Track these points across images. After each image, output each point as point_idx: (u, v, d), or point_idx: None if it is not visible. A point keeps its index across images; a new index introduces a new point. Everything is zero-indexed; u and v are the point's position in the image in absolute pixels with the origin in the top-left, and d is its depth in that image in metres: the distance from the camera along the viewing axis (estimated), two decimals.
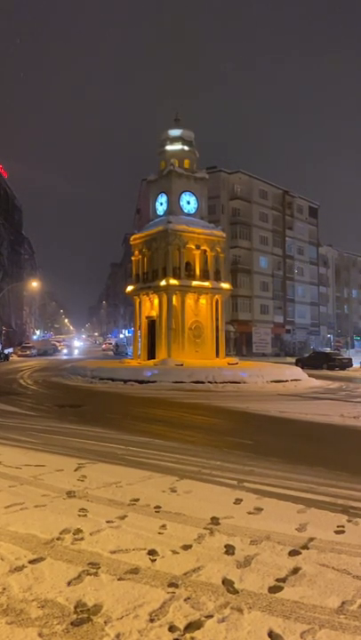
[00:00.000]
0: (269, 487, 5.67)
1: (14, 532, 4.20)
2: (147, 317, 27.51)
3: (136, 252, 28.60)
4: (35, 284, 71.50)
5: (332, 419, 11.30)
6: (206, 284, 26.54)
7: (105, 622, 2.85)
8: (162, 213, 27.41)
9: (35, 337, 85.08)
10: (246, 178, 57.37)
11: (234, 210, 56.28)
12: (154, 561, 3.66)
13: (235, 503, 5.10)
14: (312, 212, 68.65)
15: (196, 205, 27.40)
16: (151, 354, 26.48)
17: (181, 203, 26.99)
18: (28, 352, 49.43)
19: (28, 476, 6.04)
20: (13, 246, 69.85)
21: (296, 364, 31.89)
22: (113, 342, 70.26)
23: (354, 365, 33.18)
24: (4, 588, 3.23)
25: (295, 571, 3.53)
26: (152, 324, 26.91)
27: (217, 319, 27.06)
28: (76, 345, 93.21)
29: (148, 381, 19.79)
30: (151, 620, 2.87)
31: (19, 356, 48.26)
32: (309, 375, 23.12)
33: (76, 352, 65.21)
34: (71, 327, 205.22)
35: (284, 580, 3.39)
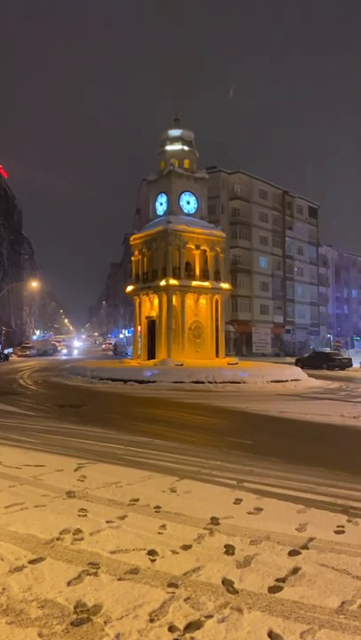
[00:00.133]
0: (269, 487, 5.67)
1: (14, 532, 4.20)
2: (147, 317, 27.51)
3: (136, 252, 28.60)
4: (34, 284, 71.50)
5: (332, 419, 11.30)
6: (206, 284, 26.54)
7: (105, 622, 2.85)
8: (162, 213, 27.41)
9: (34, 337, 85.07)
10: (246, 178, 57.36)
11: (234, 210, 56.27)
12: (154, 561, 3.66)
13: (234, 503, 5.10)
14: (312, 212, 68.64)
15: (195, 205, 27.40)
16: (151, 354, 26.48)
17: (181, 203, 26.99)
18: (27, 352, 49.40)
19: (28, 476, 6.04)
20: (13, 246, 69.83)
21: (296, 364, 31.88)
22: (113, 342, 70.16)
23: (354, 365, 33.17)
24: (4, 588, 3.23)
25: (295, 571, 3.53)
26: (152, 324, 26.91)
27: (217, 319, 27.06)
28: (76, 345, 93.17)
29: (148, 381, 19.79)
30: (151, 620, 2.87)
31: (18, 356, 48.24)
32: (309, 375, 23.12)
33: (75, 352, 65.16)
34: (71, 327, 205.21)
35: (283, 580, 3.39)
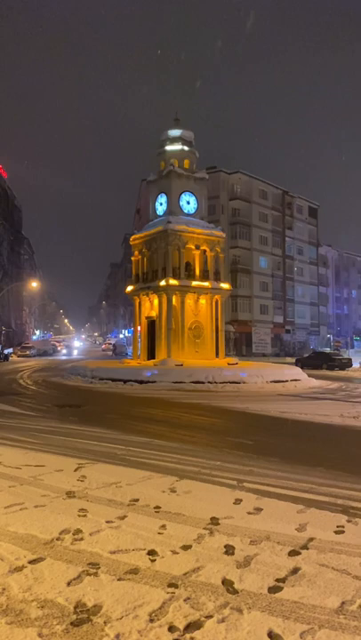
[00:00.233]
0: (269, 487, 5.67)
1: (14, 533, 4.20)
2: (146, 317, 27.51)
3: (136, 253, 28.61)
4: (34, 284, 71.48)
5: (332, 419, 11.29)
6: (206, 284, 26.54)
7: (105, 622, 2.85)
8: (161, 214, 27.41)
9: (34, 337, 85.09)
10: (246, 178, 57.39)
11: (234, 210, 56.30)
12: (153, 561, 3.66)
13: (234, 503, 5.10)
14: (312, 213, 68.68)
15: (195, 205, 27.41)
16: (151, 354, 26.48)
17: (181, 203, 27.00)
18: (27, 352, 49.45)
19: (28, 477, 6.04)
20: (13, 246, 69.84)
21: (296, 364, 31.89)
22: (112, 342, 70.01)
23: (353, 365, 33.18)
24: (4, 589, 3.22)
25: (295, 571, 3.53)
26: (152, 325, 26.91)
27: (217, 319, 27.06)
28: (76, 345, 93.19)
29: (148, 381, 19.79)
30: (151, 621, 2.87)
31: (18, 356, 48.27)
32: (309, 375, 23.11)
33: (75, 352, 65.15)
34: (71, 327, 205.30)
35: (283, 580, 3.39)
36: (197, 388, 18.54)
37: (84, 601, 3.08)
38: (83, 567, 3.55)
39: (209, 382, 19.21)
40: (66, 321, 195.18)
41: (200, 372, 20.23)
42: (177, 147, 27.61)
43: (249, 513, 4.79)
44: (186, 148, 27.71)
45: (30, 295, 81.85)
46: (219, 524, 4.48)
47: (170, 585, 3.29)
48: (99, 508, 4.91)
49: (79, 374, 22.77)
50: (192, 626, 2.83)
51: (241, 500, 5.18)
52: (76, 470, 6.37)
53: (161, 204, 27.65)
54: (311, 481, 5.95)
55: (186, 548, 3.92)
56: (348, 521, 4.57)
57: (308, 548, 3.93)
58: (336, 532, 4.28)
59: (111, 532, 4.23)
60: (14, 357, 46.83)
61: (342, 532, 4.30)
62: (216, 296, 27.10)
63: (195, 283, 26.15)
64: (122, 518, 4.58)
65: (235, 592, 3.22)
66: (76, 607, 3.01)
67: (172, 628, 2.80)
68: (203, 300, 26.68)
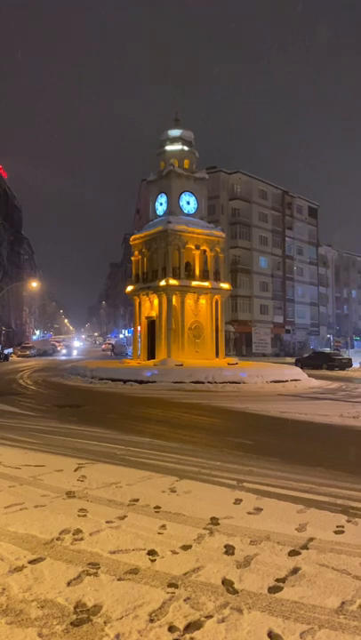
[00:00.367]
0: (269, 487, 5.67)
1: (14, 533, 4.20)
2: (146, 317, 27.51)
3: (136, 253, 28.61)
4: (34, 285, 71.47)
5: (332, 419, 11.29)
6: (206, 284, 26.54)
7: (105, 622, 2.85)
8: (161, 214, 27.41)
9: (34, 337, 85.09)
10: (246, 178, 57.39)
11: (233, 210, 56.29)
12: (153, 561, 3.66)
13: (234, 503, 5.10)
14: (312, 213, 68.67)
15: (195, 205, 27.41)
16: (151, 354, 26.48)
17: (181, 203, 26.99)
18: (27, 352, 49.45)
19: (28, 477, 6.04)
20: (13, 246, 69.83)
21: (296, 364, 31.88)
22: (112, 342, 69.85)
23: (353, 365, 33.18)
24: (4, 589, 3.22)
25: (295, 571, 3.53)
26: (152, 325, 26.91)
27: (217, 319, 27.06)
28: (76, 345, 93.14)
29: (148, 381, 19.79)
30: (151, 621, 2.87)
31: (18, 356, 48.27)
32: (309, 375, 23.11)
33: (75, 352, 65.12)
34: (71, 327, 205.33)
35: (283, 580, 3.39)
36: (197, 388, 18.54)
37: (84, 601, 3.08)
38: (83, 567, 3.55)
39: (209, 382, 19.21)
40: (66, 321, 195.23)
41: (200, 372, 20.23)
42: (177, 147, 27.61)
43: (249, 513, 4.79)
44: (186, 148, 27.71)
45: (30, 295, 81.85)
46: (219, 524, 4.48)
47: (170, 585, 3.29)
48: (99, 508, 4.91)
49: (79, 374, 22.77)
50: (192, 626, 2.83)
51: (241, 500, 5.18)
52: (75, 470, 6.37)
53: (161, 204, 27.65)
54: (311, 481, 5.95)
55: (186, 548, 3.92)
56: (348, 521, 4.57)
57: (308, 548, 3.93)
58: (336, 532, 4.28)
59: (111, 532, 4.23)
60: (14, 357, 46.83)
61: (342, 532, 4.30)
62: (216, 296, 27.10)
63: (195, 283, 26.15)
64: (122, 518, 4.58)
65: (235, 592, 3.22)
66: (76, 607, 3.01)
67: (172, 628, 2.80)
68: (203, 300, 26.68)
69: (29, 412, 12.54)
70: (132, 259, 29.31)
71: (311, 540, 4.11)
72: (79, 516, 4.65)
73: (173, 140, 27.76)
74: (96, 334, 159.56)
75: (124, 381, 20.00)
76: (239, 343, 53.67)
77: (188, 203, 27.21)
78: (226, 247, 33.85)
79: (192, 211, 27.27)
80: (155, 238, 26.58)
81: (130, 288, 28.89)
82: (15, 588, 3.24)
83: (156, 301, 26.49)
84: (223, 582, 3.35)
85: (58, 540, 4.07)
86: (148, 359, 26.14)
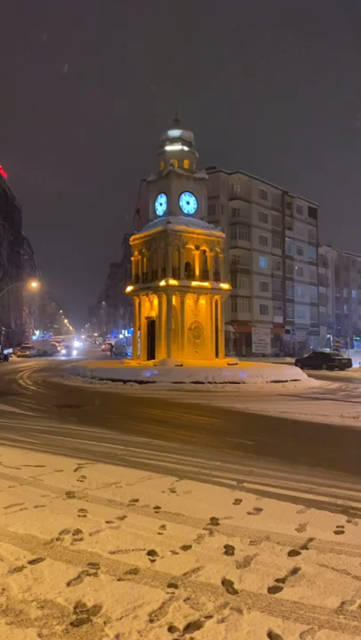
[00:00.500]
0: (269, 487, 5.67)
1: (14, 533, 4.20)
2: (146, 318, 27.51)
3: (136, 253, 28.61)
4: (34, 285, 71.46)
5: (332, 419, 11.30)
6: (206, 284, 26.54)
7: (104, 623, 2.85)
8: (161, 214, 27.41)
9: (34, 337, 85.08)
10: (246, 178, 57.39)
11: (233, 210, 56.29)
12: (153, 561, 3.66)
13: (234, 503, 5.10)
14: (311, 213, 68.67)
15: (195, 206, 27.41)
16: (151, 354, 26.48)
17: (181, 203, 27.00)
18: (27, 352, 49.44)
19: (28, 477, 6.04)
20: (13, 247, 69.82)
21: (295, 364, 31.89)
22: (112, 342, 69.76)
23: (353, 366, 33.19)
24: (4, 589, 3.22)
25: (295, 571, 3.53)
26: (152, 325, 26.91)
27: (216, 319, 27.06)
28: (76, 345, 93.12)
29: (148, 382, 19.79)
30: (151, 621, 2.87)
31: (18, 356, 48.27)
32: (309, 375, 23.12)
33: (75, 352, 65.10)
34: (71, 327, 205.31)
35: (283, 580, 3.39)
36: (197, 389, 18.54)
37: (84, 601, 3.08)
38: (82, 567, 3.55)
39: (209, 382, 19.21)
40: (66, 321, 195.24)
41: (200, 372, 20.23)
42: (177, 147, 27.61)
43: (249, 513, 4.79)
44: (186, 148, 27.70)
45: (30, 295, 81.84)
46: (218, 524, 4.48)
47: (170, 585, 3.29)
48: (98, 508, 4.91)
49: (79, 374, 22.77)
50: (192, 626, 2.83)
51: (241, 501, 5.18)
52: (75, 470, 6.37)
53: (161, 204, 27.65)
54: (311, 481, 5.95)
55: (186, 548, 3.92)
56: (348, 521, 4.57)
57: (307, 549, 3.93)
58: (336, 533, 4.28)
59: (111, 533, 4.23)
60: (14, 358, 46.82)
61: (342, 532, 4.30)
62: (216, 296, 27.10)
63: (194, 283, 26.15)
64: (122, 518, 4.58)
65: (234, 592, 3.22)
66: (75, 607, 3.01)
67: (171, 629, 2.80)
68: (202, 301, 26.68)
69: (29, 412, 12.54)
70: (132, 259, 29.31)
71: (311, 540, 4.11)
72: (79, 516, 4.65)
73: (173, 141, 27.76)
74: (96, 334, 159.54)
75: (124, 381, 20.00)
76: (239, 343, 53.67)
77: (188, 203, 27.21)
78: (226, 247, 33.86)
79: (192, 211, 27.28)
80: (155, 238, 26.58)
81: (130, 288, 28.89)
82: (15, 588, 3.24)
83: (155, 301, 26.49)
84: (223, 582, 3.34)
85: (58, 540, 4.07)
86: (148, 359, 26.14)
